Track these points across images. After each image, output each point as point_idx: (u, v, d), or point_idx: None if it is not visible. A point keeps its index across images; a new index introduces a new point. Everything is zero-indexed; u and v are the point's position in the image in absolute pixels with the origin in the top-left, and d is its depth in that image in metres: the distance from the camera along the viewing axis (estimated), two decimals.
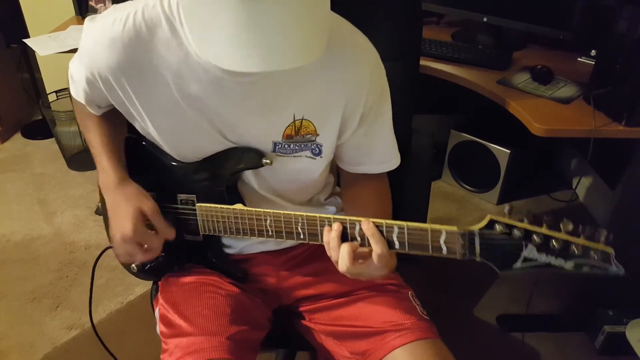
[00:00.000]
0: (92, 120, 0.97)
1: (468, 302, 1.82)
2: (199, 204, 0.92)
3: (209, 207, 0.91)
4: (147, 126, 0.88)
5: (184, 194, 0.94)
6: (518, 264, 0.70)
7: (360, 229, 0.78)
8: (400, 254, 0.80)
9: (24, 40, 1.85)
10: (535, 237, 0.68)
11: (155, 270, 1.02)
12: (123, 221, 0.87)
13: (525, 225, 0.69)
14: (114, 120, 0.96)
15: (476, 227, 0.71)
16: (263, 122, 0.85)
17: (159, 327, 0.97)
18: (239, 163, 0.89)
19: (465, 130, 2.25)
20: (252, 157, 0.88)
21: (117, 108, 0.89)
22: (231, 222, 0.90)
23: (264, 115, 0.85)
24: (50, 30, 1.91)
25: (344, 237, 0.79)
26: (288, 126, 0.86)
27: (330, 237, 0.79)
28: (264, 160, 0.87)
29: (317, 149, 0.89)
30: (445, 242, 0.73)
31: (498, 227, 0.70)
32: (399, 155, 0.97)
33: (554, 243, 0.67)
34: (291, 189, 0.97)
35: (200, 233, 0.95)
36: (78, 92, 0.93)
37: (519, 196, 2.33)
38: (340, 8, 0.81)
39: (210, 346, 0.87)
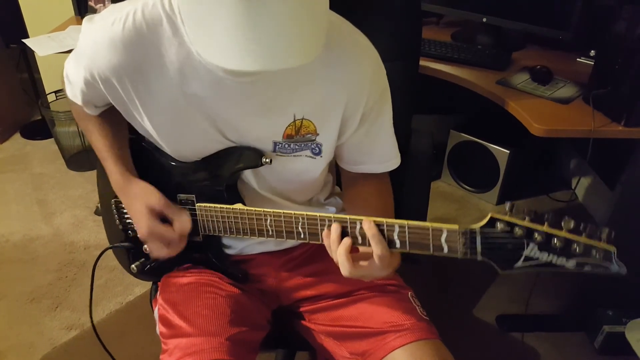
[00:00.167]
0: (92, 122, 0.97)
1: (468, 302, 1.82)
2: (198, 204, 0.92)
3: (209, 207, 0.91)
4: (146, 125, 0.87)
5: (183, 194, 0.94)
6: (519, 263, 0.69)
7: (361, 228, 0.77)
8: (402, 253, 0.80)
9: (24, 40, 1.85)
10: (536, 235, 0.67)
11: (155, 271, 1.02)
12: (137, 221, 0.91)
13: (527, 223, 0.68)
14: (114, 119, 0.95)
15: (477, 226, 0.71)
16: (264, 122, 0.85)
17: (159, 328, 0.97)
18: (239, 162, 0.89)
19: (465, 131, 2.25)
20: (252, 157, 0.88)
21: (116, 107, 0.89)
22: (231, 222, 0.89)
23: (265, 115, 0.85)
24: (49, 31, 1.90)
25: (344, 237, 0.79)
26: (288, 126, 0.86)
27: (330, 240, 0.79)
28: (264, 160, 0.87)
29: (317, 148, 0.89)
30: (446, 240, 0.73)
31: (499, 225, 0.69)
32: (399, 154, 0.97)
33: (556, 241, 0.66)
34: (291, 188, 0.96)
35: (200, 233, 0.95)
36: (74, 93, 0.92)
37: (518, 196, 2.33)
38: (340, 8, 0.81)
39: (210, 347, 0.87)
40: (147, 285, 1.79)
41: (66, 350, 1.62)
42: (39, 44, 1.79)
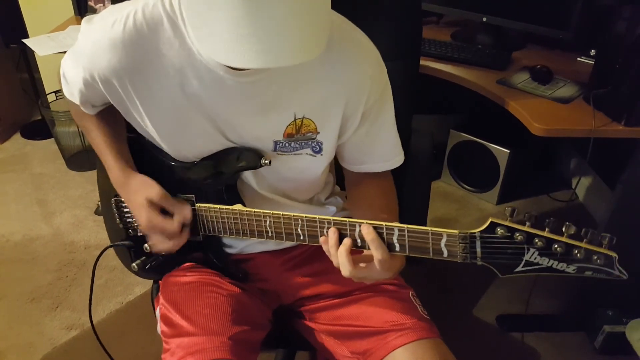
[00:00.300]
0: (90, 121, 0.97)
1: (468, 302, 1.82)
2: (198, 204, 0.92)
3: (208, 207, 0.91)
4: (146, 125, 0.87)
5: (183, 194, 0.94)
6: (520, 268, 0.69)
7: (360, 231, 0.77)
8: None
9: (23, 40, 1.85)
10: (537, 240, 0.66)
11: (156, 269, 1.02)
12: (138, 214, 0.91)
13: (527, 228, 0.67)
14: (112, 117, 0.96)
15: (477, 230, 0.70)
16: (264, 121, 0.85)
17: (160, 327, 0.97)
18: (238, 163, 0.89)
19: (465, 130, 2.25)
20: (251, 157, 0.88)
21: (117, 107, 0.89)
22: (230, 222, 0.89)
23: (265, 114, 0.85)
24: (49, 31, 1.90)
25: (344, 238, 0.79)
26: (289, 125, 0.86)
27: (329, 246, 0.79)
28: (263, 161, 0.87)
29: (317, 146, 0.89)
30: (446, 245, 0.73)
31: (499, 231, 0.68)
32: (402, 152, 0.97)
33: (557, 247, 0.65)
34: (291, 187, 0.96)
35: (200, 233, 0.95)
36: (72, 92, 0.92)
37: (518, 196, 2.32)
38: (340, 8, 0.81)
39: (212, 346, 0.87)
40: (147, 285, 1.79)
41: (66, 350, 1.62)
42: (39, 44, 1.79)
